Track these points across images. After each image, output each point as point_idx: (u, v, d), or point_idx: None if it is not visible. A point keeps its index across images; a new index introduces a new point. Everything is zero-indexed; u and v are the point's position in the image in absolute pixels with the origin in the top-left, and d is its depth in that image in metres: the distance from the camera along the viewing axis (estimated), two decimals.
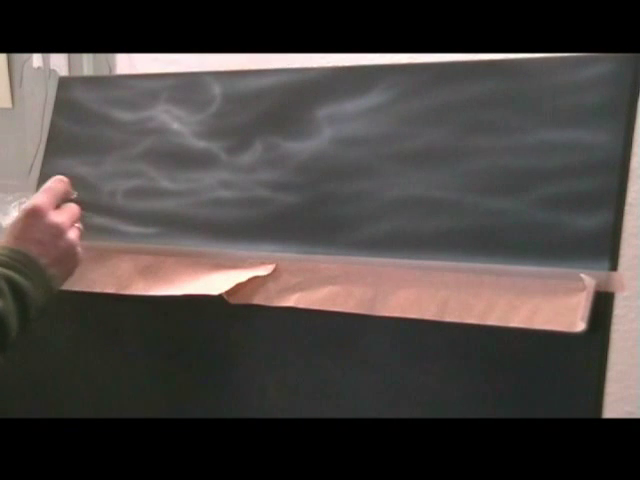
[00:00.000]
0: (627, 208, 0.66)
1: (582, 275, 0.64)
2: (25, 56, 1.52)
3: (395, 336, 0.71)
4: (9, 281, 0.71)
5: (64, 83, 0.98)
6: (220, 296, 0.77)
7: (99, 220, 0.88)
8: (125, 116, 0.91)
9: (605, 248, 0.65)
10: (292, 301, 0.76)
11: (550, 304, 0.65)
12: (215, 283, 0.78)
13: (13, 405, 0.89)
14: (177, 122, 0.87)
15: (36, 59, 1.51)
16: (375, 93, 0.78)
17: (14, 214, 1.53)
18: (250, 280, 0.77)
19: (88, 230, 0.83)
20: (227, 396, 0.78)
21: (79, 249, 0.79)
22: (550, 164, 0.68)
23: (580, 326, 0.63)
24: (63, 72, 1.48)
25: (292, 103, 0.82)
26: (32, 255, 0.74)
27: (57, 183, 0.81)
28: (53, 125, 0.96)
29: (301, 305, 0.75)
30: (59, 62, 1.49)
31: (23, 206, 0.77)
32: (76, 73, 1.47)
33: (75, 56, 1.48)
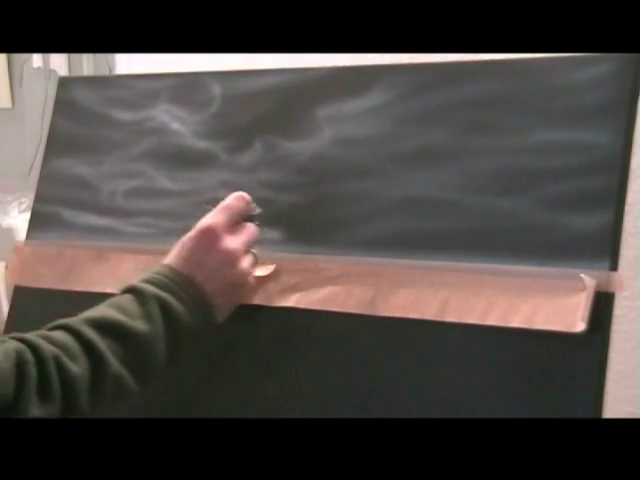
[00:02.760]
0: (627, 208, 0.66)
1: (582, 275, 0.64)
2: (25, 56, 1.52)
3: (395, 336, 0.71)
4: (162, 304, 0.67)
5: (64, 83, 0.99)
6: None
7: (99, 220, 0.88)
8: (125, 116, 0.91)
9: (605, 248, 0.65)
10: (292, 301, 0.76)
11: (550, 304, 0.65)
12: None
13: None
14: (177, 122, 0.87)
15: (36, 59, 1.51)
16: (375, 93, 0.78)
17: (14, 214, 1.53)
18: None
19: (89, 231, 0.83)
20: (226, 396, 0.78)
21: (250, 279, 0.73)
22: (550, 164, 0.68)
23: (580, 326, 0.63)
24: (63, 72, 1.48)
25: (292, 103, 0.82)
26: (196, 281, 0.69)
27: (237, 201, 0.74)
28: (53, 125, 0.96)
29: (301, 305, 0.75)
30: (59, 62, 1.49)
31: (198, 224, 0.72)
32: (76, 73, 1.47)
33: (75, 56, 1.48)
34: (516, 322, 0.66)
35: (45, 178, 0.95)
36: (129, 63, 1.42)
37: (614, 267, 0.64)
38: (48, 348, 0.63)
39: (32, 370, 0.61)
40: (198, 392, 0.80)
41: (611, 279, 0.64)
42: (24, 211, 1.49)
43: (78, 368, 0.63)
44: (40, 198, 0.95)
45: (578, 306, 0.63)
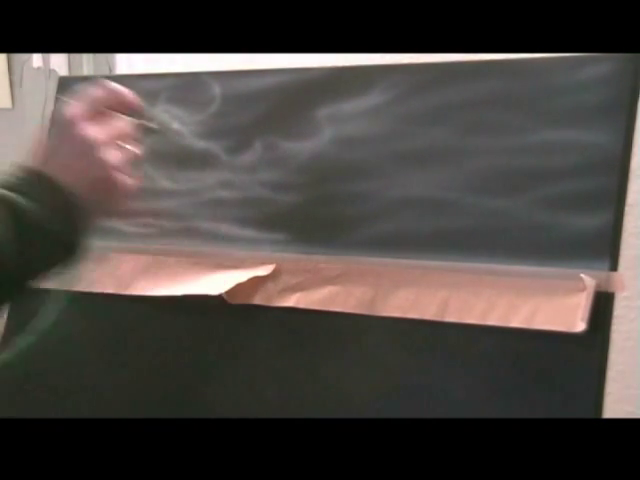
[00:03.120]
0: (627, 208, 0.66)
1: (582, 275, 0.64)
2: (25, 56, 1.52)
3: (395, 336, 0.71)
4: (8, 204, 0.57)
5: (64, 83, 0.98)
6: (220, 296, 0.77)
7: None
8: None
9: (605, 248, 0.65)
10: (292, 301, 0.76)
11: (550, 304, 0.65)
12: (215, 283, 0.78)
13: (11, 404, 0.89)
14: (177, 122, 0.87)
15: (36, 59, 1.51)
16: (375, 93, 0.78)
17: None
18: (250, 280, 0.77)
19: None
20: (226, 396, 0.78)
21: (120, 174, 0.63)
22: (550, 164, 0.68)
23: (580, 326, 0.63)
24: (63, 72, 1.48)
25: (292, 103, 0.82)
26: (47, 174, 0.59)
27: (97, 89, 0.64)
28: None
29: (301, 305, 0.75)
30: (59, 62, 1.49)
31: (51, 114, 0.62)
32: (76, 73, 1.47)
33: (75, 56, 1.48)
34: (516, 322, 0.66)
35: None
36: (129, 63, 1.42)
37: (614, 267, 0.64)
38: None
39: None
40: (198, 392, 0.80)
41: (611, 279, 0.64)
42: None
43: None
44: None
45: (578, 306, 0.63)
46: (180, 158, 0.86)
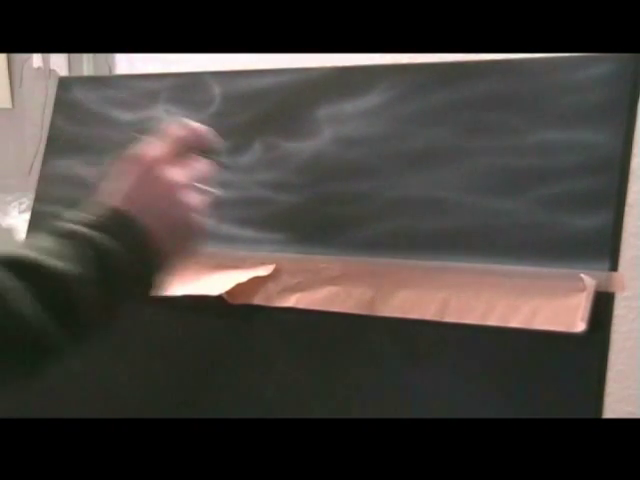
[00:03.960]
0: (627, 208, 0.66)
1: (582, 275, 0.64)
2: (25, 56, 1.52)
3: (395, 336, 0.71)
4: (91, 243, 0.56)
5: (64, 83, 0.98)
6: (220, 296, 0.77)
7: None
8: (125, 116, 0.91)
9: (605, 248, 0.64)
10: (292, 301, 0.75)
11: (550, 304, 0.65)
12: (215, 283, 0.78)
13: (11, 404, 0.89)
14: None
15: (36, 59, 1.52)
16: (375, 93, 0.78)
17: (14, 214, 1.53)
18: (250, 280, 0.77)
19: None
20: (226, 396, 0.78)
21: (199, 218, 0.62)
22: (550, 164, 0.68)
23: (580, 326, 0.63)
24: (63, 72, 1.48)
25: (292, 103, 0.82)
26: (128, 214, 0.58)
27: (179, 129, 0.63)
28: (53, 125, 0.96)
29: (301, 305, 0.75)
30: (59, 62, 1.49)
31: (129, 152, 0.61)
32: (76, 73, 1.47)
33: (75, 56, 1.48)
34: (516, 322, 0.66)
35: (45, 178, 0.95)
36: (129, 63, 1.42)
37: (614, 267, 0.64)
38: None
39: None
40: (198, 392, 0.80)
41: (611, 279, 0.64)
42: (24, 211, 1.49)
43: None
44: (40, 198, 0.95)
45: (578, 306, 0.63)
46: None
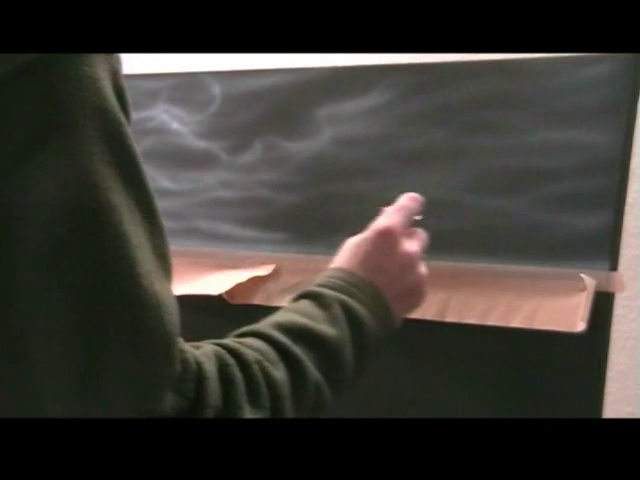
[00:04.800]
0: (627, 208, 0.66)
1: (582, 275, 0.64)
2: None
3: (395, 336, 0.71)
4: (345, 307, 0.60)
5: None
6: (220, 296, 0.77)
7: None
8: None
9: (605, 248, 0.65)
10: None
11: (550, 304, 0.65)
12: (215, 283, 0.78)
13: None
14: (177, 122, 0.87)
15: None
16: (375, 93, 0.78)
17: None
18: (250, 280, 0.77)
19: None
20: None
21: (426, 287, 0.66)
22: (550, 164, 0.68)
23: (580, 326, 0.63)
24: None
25: (292, 103, 0.82)
26: (375, 285, 0.62)
27: (412, 201, 0.67)
28: None
29: None
30: None
31: (375, 225, 0.65)
32: None
33: None
34: (516, 322, 0.66)
35: None
36: (129, 63, 1.42)
37: (614, 267, 0.64)
38: (247, 352, 0.56)
39: (237, 373, 0.55)
40: None
41: (611, 279, 0.64)
42: None
43: (279, 373, 0.57)
44: None
45: (578, 306, 0.63)
46: (180, 158, 0.86)
